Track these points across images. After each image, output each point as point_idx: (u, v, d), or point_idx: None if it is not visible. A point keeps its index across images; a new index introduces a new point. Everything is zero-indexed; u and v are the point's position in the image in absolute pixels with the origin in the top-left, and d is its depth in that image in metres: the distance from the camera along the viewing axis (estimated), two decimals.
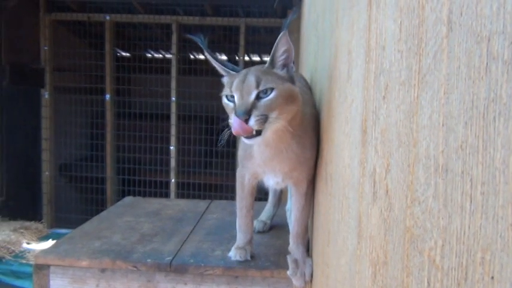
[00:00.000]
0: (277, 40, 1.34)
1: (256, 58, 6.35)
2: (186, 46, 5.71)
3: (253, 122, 1.25)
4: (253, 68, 1.39)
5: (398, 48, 0.56)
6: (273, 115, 1.29)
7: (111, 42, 5.28)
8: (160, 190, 5.46)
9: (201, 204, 2.72)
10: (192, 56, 6.45)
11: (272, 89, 1.29)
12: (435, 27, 0.43)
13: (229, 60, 6.20)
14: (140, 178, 5.54)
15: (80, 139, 5.72)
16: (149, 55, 6.57)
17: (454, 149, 0.38)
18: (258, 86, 1.29)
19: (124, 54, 6.19)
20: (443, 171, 0.40)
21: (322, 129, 1.52)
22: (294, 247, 1.66)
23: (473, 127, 0.34)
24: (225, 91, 1.35)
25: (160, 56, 6.59)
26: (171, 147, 5.35)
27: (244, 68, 1.44)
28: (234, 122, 1.26)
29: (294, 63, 1.40)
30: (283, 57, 1.36)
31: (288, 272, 1.61)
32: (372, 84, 0.71)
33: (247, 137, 1.28)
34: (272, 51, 1.35)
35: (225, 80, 1.44)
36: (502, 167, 0.30)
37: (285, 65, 1.38)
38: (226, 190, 5.28)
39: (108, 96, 5.35)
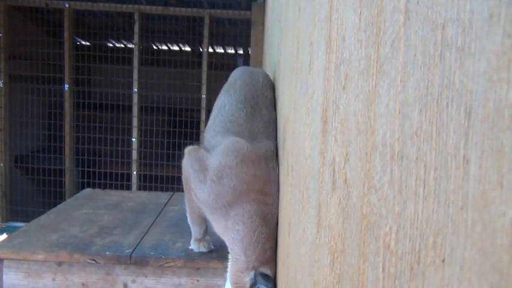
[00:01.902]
0: None
1: (220, 50, 6.31)
2: (148, 36, 5.61)
3: None
4: None
5: (358, 38, 0.57)
6: None
7: (70, 31, 5.12)
8: (121, 182, 5.36)
9: (163, 196, 2.69)
10: (154, 47, 6.34)
11: None
12: (393, 16, 0.44)
13: (193, 51, 6.15)
14: (101, 170, 5.42)
15: (37, 130, 5.53)
16: (110, 44, 6.41)
17: (409, 136, 0.39)
18: None
19: (84, 43, 6.02)
20: (399, 158, 0.41)
21: (284, 121, 1.52)
22: None
23: (427, 113, 0.35)
24: None
25: (122, 45, 6.44)
26: (133, 139, 5.26)
27: None
28: None
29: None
30: None
31: None
32: (333, 75, 0.72)
33: None
34: None
35: None
36: (453, 152, 0.31)
37: None
38: None
39: (66, 86, 5.19)
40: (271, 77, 2.30)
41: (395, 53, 0.43)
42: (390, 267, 0.42)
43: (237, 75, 1.85)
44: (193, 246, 1.74)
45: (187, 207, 1.72)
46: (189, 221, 1.75)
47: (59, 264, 1.69)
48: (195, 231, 1.76)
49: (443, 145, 0.32)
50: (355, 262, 0.54)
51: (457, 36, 0.31)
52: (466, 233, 0.29)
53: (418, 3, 0.38)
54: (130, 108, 5.24)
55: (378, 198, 0.46)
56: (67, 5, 5.05)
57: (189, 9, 5.09)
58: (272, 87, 1.90)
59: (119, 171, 5.43)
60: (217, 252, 1.74)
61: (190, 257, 1.70)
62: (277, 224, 1.49)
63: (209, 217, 1.54)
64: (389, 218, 0.43)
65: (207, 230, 1.78)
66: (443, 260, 0.31)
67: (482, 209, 0.27)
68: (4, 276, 1.69)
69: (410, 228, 0.38)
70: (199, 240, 1.74)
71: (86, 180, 5.33)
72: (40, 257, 1.69)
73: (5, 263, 1.70)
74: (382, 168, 0.46)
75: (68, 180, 5.36)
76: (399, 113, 0.41)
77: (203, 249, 1.72)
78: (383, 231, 0.44)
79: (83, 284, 1.69)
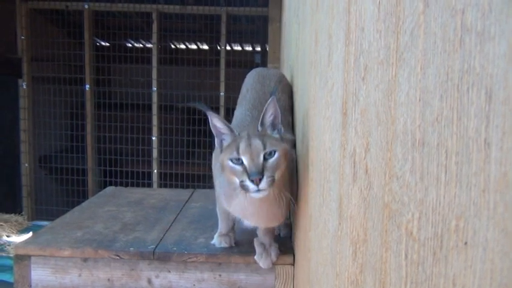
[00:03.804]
0: (266, 105, 1.44)
1: (237, 47, 6.32)
2: (166, 35, 5.65)
3: (264, 183, 1.32)
4: (250, 131, 1.45)
5: (377, 28, 0.57)
6: (276, 176, 1.36)
7: (90, 32, 5.20)
8: (142, 181, 5.42)
9: (184, 193, 2.71)
10: (173, 46, 6.39)
11: (275, 151, 1.37)
12: (412, 4, 0.44)
13: (210, 49, 6.18)
14: (122, 169, 5.49)
15: (59, 130, 5.63)
16: (129, 44, 6.49)
17: (430, 123, 0.39)
18: (264, 147, 1.37)
19: (103, 43, 6.10)
20: (420, 145, 0.41)
21: (303, 115, 1.53)
22: (262, 232, 1.69)
23: (448, 99, 0.35)
24: (230, 154, 1.39)
25: (141, 45, 6.51)
26: (153, 138, 5.32)
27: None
28: (249, 184, 1.32)
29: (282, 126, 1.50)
30: (270, 118, 1.46)
31: (255, 257, 1.65)
32: (352, 66, 0.72)
33: (254, 192, 1.34)
34: (262, 114, 1.45)
35: (225, 141, 1.48)
36: (474, 136, 0.31)
37: (273, 126, 1.47)
38: (210, 180, 5.27)
39: (87, 86, 5.27)
40: (289, 73, 2.30)
41: (415, 41, 0.43)
42: (413, 253, 0.43)
43: (248, 84, 1.97)
44: (215, 241, 1.76)
45: (216, 201, 1.75)
46: (218, 215, 1.78)
47: (85, 260, 1.73)
48: (221, 226, 1.78)
49: (464, 130, 0.32)
50: (377, 251, 0.55)
51: (476, 20, 0.31)
52: (488, 215, 0.29)
53: None
54: (150, 107, 5.30)
55: (400, 186, 0.47)
56: (86, 6, 5.13)
57: (206, 8, 5.12)
58: (286, 88, 1.97)
59: (140, 170, 5.50)
60: (239, 247, 1.76)
61: (212, 252, 1.72)
62: None
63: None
64: (412, 205, 0.43)
65: (233, 227, 1.80)
66: (465, 243, 0.32)
67: (504, 190, 0.27)
68: (32, 272, 1.73)
69: (433, 213, 0.38)
70: (222, 236, 1.76)
71: (108, 179, 5.41)
72: (66, 253, 1.73)
73: (33, 259, 1.74)
74: (403, 157, 0.46)
75: (90, 179, 5.45)
76: (420, 100, 0.42)
77: (224, 245, 1.74)
78: (405, 218, 0.45)
79: (108, 280, 1.72)
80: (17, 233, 4.68)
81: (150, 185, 5.41)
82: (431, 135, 0.39)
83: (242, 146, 1.37)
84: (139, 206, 2.38)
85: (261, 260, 1.65)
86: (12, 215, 4.99)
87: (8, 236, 4.55)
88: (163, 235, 1.90)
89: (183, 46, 6.48)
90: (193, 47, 6.44)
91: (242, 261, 1.71)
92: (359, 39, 0.67)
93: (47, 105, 5.45)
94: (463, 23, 0.33)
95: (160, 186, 5.38)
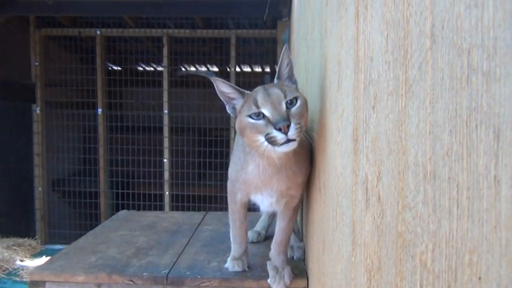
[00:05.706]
0: (281, 55, 1.40)
1: (247, 69, 6.39)
2: (177, 59, 5.74)
3: (293, 130, 1.22)
4: (266, 85, 1.39)
5: (385, 59, 0.58)
6: (302, 123, 1.27)
7: (102, 57, 5.30)
8: (154, 203, 5.44)
9: (196, 216, 2.72)
10: (183, 69, 6.48)
11: (296, 98, 1.29)
12: (419, 39, 0.45)
13: (220, 71, 6.25)
14: (134, 191, 5.52)
15: (72, 154, 5.70)
16: (140, 68, 6.59)
17: (441, 156, 0.40)
18: (285, 96, 1.28)
19: (115, 68, 6.20)
20: (432, 178, 0.42)
21: (314, 138, 1.53)
22: (275, 254, 1.68)
23: (457, 135, 0.36)
24: (248, 111, 1.30)
25: (152, 69, 6.61)
26: (165, 160, 5.35)
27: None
28: (276, 134, 1.22)
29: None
30: (287, 69, 1.41)
31: (268, 280, 1.63)
32: (362, 94, 0.73)
33: (283, 144, 1.23)
34: (278, 66, 1.40)
35: (237, 105, 1.42)
36: (484, 173, 0.32)
37: (290, 78, 1.43)
38: (221, 201, 5.28)
39: (100, 110, 5.35)
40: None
41: (423, 76, 0.44)
42: (428, 285, 0.43)
43: None
44: (228, 264, 1.75)
45: (230, 223, 1.74)
46: (231, 238, 1.76)
47: (99, 285, 1.73)
48: (234, 249, 1.77)
49: (475, 166, 0.33)
50: (392, 280, 0.55)
51: (482, 61, 0.32)
52: (500, 251, 0.29)
53: (443, 28, 0.39)
54: (161, 129, 5.35)
55: (413, 217, 0.47)
56: (98, 32, 5.24)
57: (216, 31, 5.20)
58: None
59: (152, 192, 5.52)
60: (252, 271, 1.75)
61: (225, 276, 1.71)
62: None
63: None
64: (425, 237, 0.44)
65: (247, 250, 1.79)
66: (479, 278, 0.32)
67: None
68: None
69: (446, 246, 0.38)
70: (235, 259, 1.75)
71: (120, 201, 5.44)
72: (80, 278, 1.73)
73: (47, 285, 1.75)
74: (415, 188, 0.47)
75: (102, 202, 5.48)
76: (430, 133, 0.42)
77: (237, 269, 1.73)
78: (419, 249, 0.45)
79: None
80: (30, 257, 4.70)
81: (162, 207, 5.42)
82: (442, 168, 0.39)
83: (260, 97, 1.28)
84: (152, 229, 2.39)
85: (275, 283, 1.64)
86: (26, 239, 5.02)
87: (21, 261, 4.57)
88: (176, 259, 1.90)
89: (193, 69, 6.56)
90: (204, 69, 6.52)
91: (256, 286, 1.70)
92: (368, 68, 0.68)
93: (60, 129, 5.53)
94: (470, 62, 0.34)
95: (172, 208, 5.39)
